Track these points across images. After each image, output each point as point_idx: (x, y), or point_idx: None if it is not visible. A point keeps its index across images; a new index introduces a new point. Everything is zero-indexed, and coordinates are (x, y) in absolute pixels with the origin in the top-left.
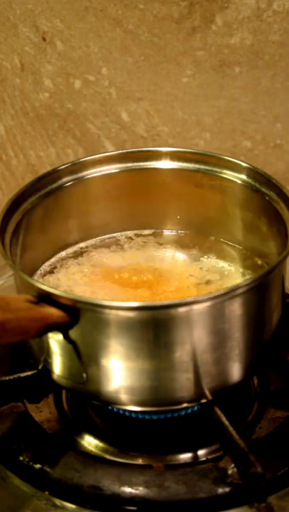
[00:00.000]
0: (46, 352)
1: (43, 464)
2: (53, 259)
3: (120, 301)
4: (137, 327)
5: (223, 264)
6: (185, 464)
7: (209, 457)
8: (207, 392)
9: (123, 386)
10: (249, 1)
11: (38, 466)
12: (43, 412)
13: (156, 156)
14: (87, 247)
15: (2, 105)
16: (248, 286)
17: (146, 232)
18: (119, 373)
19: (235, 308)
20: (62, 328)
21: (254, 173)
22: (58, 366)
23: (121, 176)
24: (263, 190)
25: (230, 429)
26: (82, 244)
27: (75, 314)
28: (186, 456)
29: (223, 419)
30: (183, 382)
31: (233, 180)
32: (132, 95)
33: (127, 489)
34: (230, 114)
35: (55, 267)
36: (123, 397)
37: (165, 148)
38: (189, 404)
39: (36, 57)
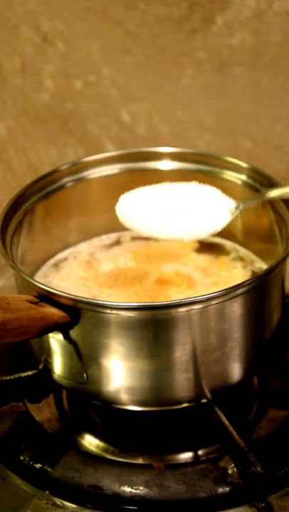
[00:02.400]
0: (47, 352)
1: (44, 463)
2: (53, 259)
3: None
4: (137, 327)
5: (223, 264)
6: (185, 464)
7: (209, 457)
8: (207, 392)
9: (123, 386)
10: (249, 2)
11: (38, 465)
12: (43, 412)
13: (157, 156)
14: (88, 247)
15: (3, 106)
16: (248, 286)
17: None
18: (120, 373)
19: (236, 309)
20: (63, 328)
21: (254, 173)
22: (58, 366)
23: (121, 176)
24: (264, 191)
25: (231, 428)
26: (83, 244)
27: (75, 314)
28: (186, 456)
29: (223, 418)
30: (183, 382)
31: (233, 181)
32: (132, 96)
33: (128, 489)
34: (231, 114)
35: (56, 267)
36: (123, 397)
37: (166, 149)
38: (189, 404)
39: (37, 58)
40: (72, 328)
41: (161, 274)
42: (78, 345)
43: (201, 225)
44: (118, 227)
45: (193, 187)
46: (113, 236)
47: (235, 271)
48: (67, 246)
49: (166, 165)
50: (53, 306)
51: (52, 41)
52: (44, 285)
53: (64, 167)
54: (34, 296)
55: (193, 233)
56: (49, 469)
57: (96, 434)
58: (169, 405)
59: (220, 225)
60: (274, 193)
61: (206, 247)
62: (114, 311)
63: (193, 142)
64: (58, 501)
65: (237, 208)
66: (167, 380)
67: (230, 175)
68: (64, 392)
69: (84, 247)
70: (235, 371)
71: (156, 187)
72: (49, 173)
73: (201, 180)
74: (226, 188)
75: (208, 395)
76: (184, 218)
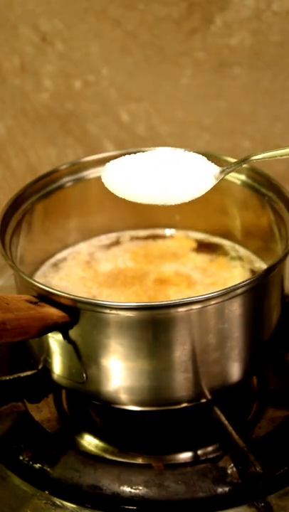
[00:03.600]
0: (46, 352)
1: (43, 463)
2: (53, 259)
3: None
4: (136, 327)
5: (222, 264)
6: (185, 464)
7: (209, 457)
8: (207, 392)
9: (123, 386)
10: (248, 2)
11: (38, 465)
12: (43, 412)
13: None
14: (87, 247)
15: (2, 105)
16: (248, 286)
17: (146, 232)
18: (119, 373)
19: (235, 308)
20: (62, 328)
21: (254, 173)
22: (58, 366)
23: None
24: (263, 191)
25: (230, 428)
26: (82, 245)
27: (75, 314)
28: (185, 456)
29: (223, 418)
30: (182, 382)
31: (232, 181)
32: (131, 95)
33: (127, 489)
34: (230, 114)
35: (55, 267)
36: (123, 397)
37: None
38: (189, 404)
39: (36, 58)
40: (72, 328)
41: (161, 274)
42: (78, 345)
43: (186, 189)
44: (117, 227)
45: (178, 153)
46: (112, 236)
47: (234, 271)
48: (66, 246)
49: None
50: (52, 306)
51: (51, 41)
52: (43, 285)
53: (63, 167)
54: (33, 296)
55: (178, 197)
56: (48, 469)
57: (95, 434)
58: (168, 405)
59: (204, 189)
60: (257, 157)
61: (205, 246)
62: (113, 311)
63: (192, 142)
64: (58, 501)
65: (221, 172)
66: (167, 380)
67: (229, 175)
68: (63, 392)
69: (83, 247)
70: (235, 371)
71: (142, 154)
72: (48, 173)
73: None
74: (225, 188)
75: (208, 395)
76: (168, 183)
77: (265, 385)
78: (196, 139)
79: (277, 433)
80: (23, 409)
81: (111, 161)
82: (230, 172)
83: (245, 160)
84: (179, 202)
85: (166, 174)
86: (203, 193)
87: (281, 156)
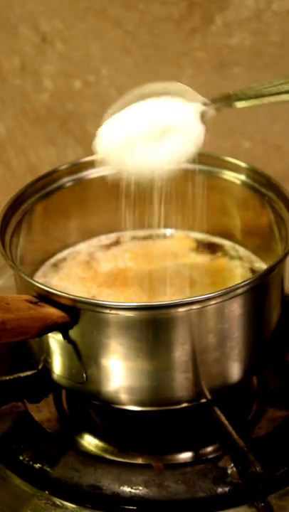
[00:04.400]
0: (46, 352)
1: (43, 463)
2: (53, 260)
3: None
4: (136, 327)
5: (222, 264)
6: (185, 464)
7: (209, 457)
8: (207, 392)
9: (123, 386)
10: (248, 2)
11: (38, 465)
12: (43, 412)
13: None
14: (87, 247)
15: (2, 105)
16: (248, 286)
17: (146, 232)
18: (119, 373)
19: (235, 308)
20: (62, 328)
21: (254, 173)
22: (57, 366)
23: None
24: (263, 191)
25: (230, 428)
26: (82, 245)
27: (75, 314)
28: (185, 456)
29: (223, 418)
30: (182, 382)
31: (232, 181)
32: None
33: (127, 489)
34: (230, 114)
35: (55, 267)
36: (123, 397)
37: None
38: (189, 404)
39: (36, 58)
40: (72, 328)
41: (161, 274)
42: (78, 345)
43: (176, 153)
44: (117, 227)
45: (157, 106)
46: (112, 236)
47: (234, 271)
48: (66, 246)
49: None
50: (52, 306)
51: (51, 41)
52: (43, 285)
53: (63, 167)
54: (33, 296)
55: (169, 163)
56: (48, 469)
57: (95, 434)
58: (168, 405)
59: (196, 144)
60: (242, 104)
61: (205, 246)
62: (113, 311)
63: None
64: (58, 501)
65: (203, 115)
66: (167, 380)
67: (229, 175)
68: (63, 392)
69: (83, 247)
70: (235, 371)
71: (126, 112)
72: (48, 173)
73: (201, 180)
74: (225, 187)
75: (208, 395)
76: (157, 152)
77: (265, 385)
78: None
79: (277, 433)
80: (23, 409)
81: (101, 130)
82: (211, 115)
83: (227, 104)
84: (173, 166)
85: (154, 143)
86: (200, 142)
87: (266, 92)
